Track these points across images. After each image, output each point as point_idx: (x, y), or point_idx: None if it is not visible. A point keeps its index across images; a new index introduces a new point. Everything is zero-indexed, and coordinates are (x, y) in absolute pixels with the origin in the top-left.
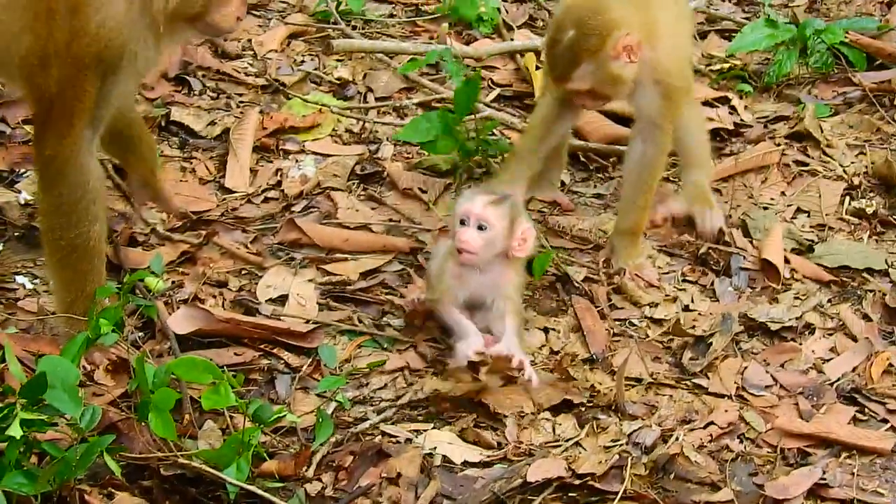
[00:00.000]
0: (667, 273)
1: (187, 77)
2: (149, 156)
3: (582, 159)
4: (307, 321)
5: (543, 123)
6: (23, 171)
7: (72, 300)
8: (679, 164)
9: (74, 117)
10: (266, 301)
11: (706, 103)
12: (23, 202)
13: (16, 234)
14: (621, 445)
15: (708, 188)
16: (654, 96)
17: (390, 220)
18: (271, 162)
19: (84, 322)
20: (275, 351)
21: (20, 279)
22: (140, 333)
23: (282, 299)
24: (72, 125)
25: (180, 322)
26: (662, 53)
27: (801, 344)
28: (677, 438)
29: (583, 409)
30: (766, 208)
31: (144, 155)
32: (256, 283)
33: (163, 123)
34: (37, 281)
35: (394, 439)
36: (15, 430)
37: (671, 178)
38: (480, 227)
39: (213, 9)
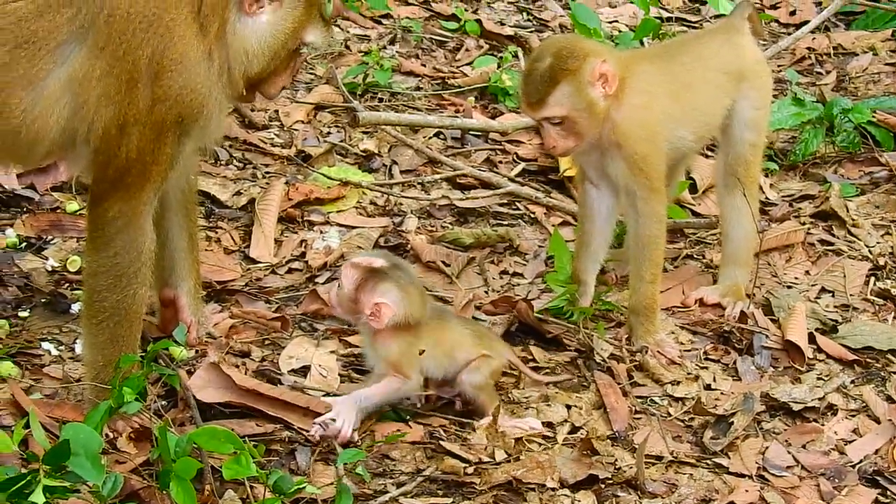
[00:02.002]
0: (689, 351)
1: (214, 147)
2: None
3: None
4: (327, 393)
5: (586, 208)
6: (50, 237)
7: (102, 364)
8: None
9: (147, 180)
10: (288, 372)
11: None
12: (50, 269)
13: (42, 300)
14: None
15: (744, 286)
16: (619, 163)
17: None
18: (296, 233)
19: (109, 389)
20: (295, 422)
21: (46, 345)
22: (163, 402)
23: (304, 370)
24: (142, 188)
25: (202, 386)
26: (625, 112)
27: (823, 425)
28: None
29: (603, 485)
30: (790, 287)
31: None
32: (279, 354)
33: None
34: (62, 347)
35: None
36: (38, 497)
37: (712, 267)
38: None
39: (273, 76)
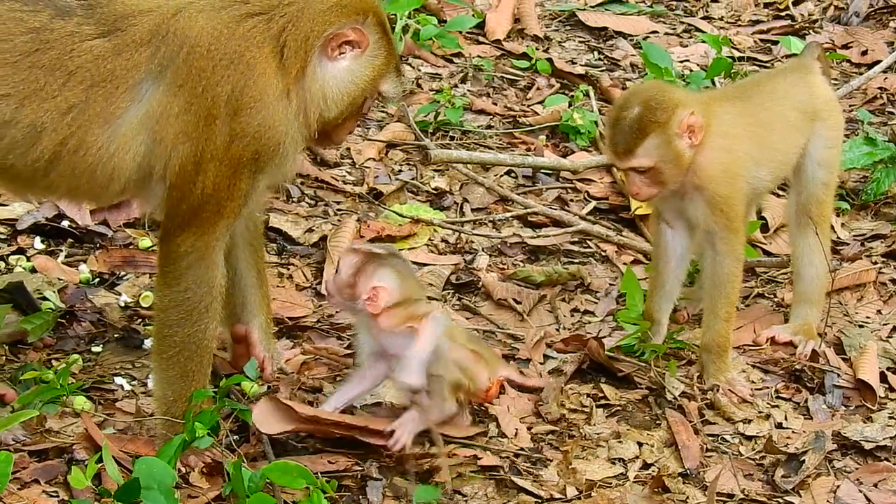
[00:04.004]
0: (760, 389)
1: (286, 184)
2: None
3: None
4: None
5: (661, 247)
6: (123, 273)
7: (173, 399)
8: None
9: (221, 216)
10: (361, 407)
11: None
12: (122, 305)
13: (115, 335)
14: None
15: (815, 325)
16: (699, 204)
17: (484, 329)
18: None
19: (181, 424)
20: (368, 456)
21: (119, 380)
22: (235, 437)
23: (376, 406)
24: (216, 223)
25: (263, 418)
26: (707, 155)
27: (895, 464)
28: None
29: None
30: (861, 326)
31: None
32: None
33: (262, 230)
34: (135, 382)
35: None
36: None
37: (784, 305)
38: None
39: (345, 122)
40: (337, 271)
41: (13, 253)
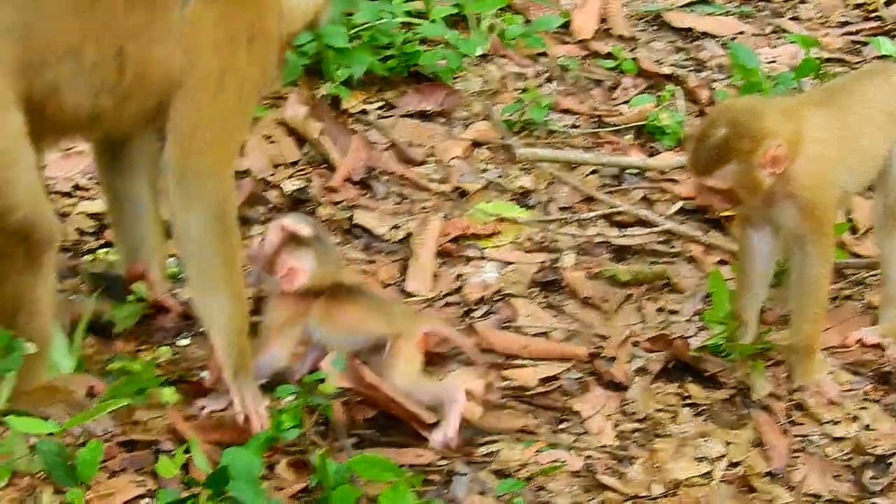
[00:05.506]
0: (848, 391)
1: (371, 182)
2: None
3: None
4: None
5: (747, 249)
6: None
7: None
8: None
9: (238, 136)
10: None
11: None
12: None
13: (201, 329)
14: None
15: None
16: (790, 211)
17: (569, 328)
18: (452, 267)
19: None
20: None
21: (204, 374)
22: (321, 427)
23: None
24: (229, 144)
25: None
26: (800, 164)
27: None
28: None
29: None
30: None
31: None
32: None
33: (347, 227)
34: None
35: None
36: None
37: (872, 307)
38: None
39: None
40: (263, 240)
41: (101, 246)
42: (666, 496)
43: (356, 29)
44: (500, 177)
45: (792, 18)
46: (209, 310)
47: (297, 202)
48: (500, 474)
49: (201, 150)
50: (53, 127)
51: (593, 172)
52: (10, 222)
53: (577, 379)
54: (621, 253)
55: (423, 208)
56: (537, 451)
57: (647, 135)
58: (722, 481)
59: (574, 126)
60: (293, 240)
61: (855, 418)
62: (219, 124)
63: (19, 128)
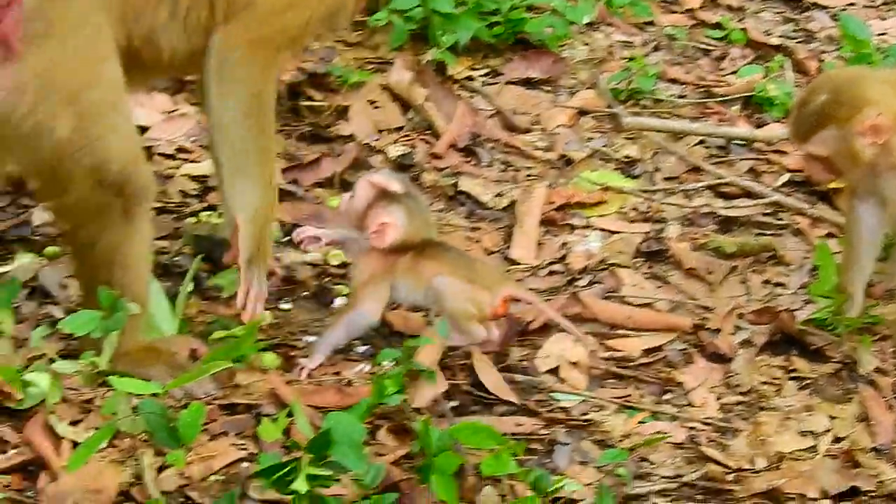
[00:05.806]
0: None
1: (476, 148)
2: None
3: None
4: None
5: (854, 222)
6: None
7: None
8: None
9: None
10: (545, 371)
11: None
12: (311, 262)
13: (304, 293)
14: None
15: None
16: (894, 182)
17: (673, 299)
18: (557, 236)
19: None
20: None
21: (308, 339)
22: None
23: (557, 370)
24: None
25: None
26: None
27: None
28: None
29: (865, 497)
30: None
31: None
32: (536, 353)
33: (451, 193)
34: None
35: None
36: (300, 485)
37: None
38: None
39: None
40: (352, 195)
41: (204, 209)
42: (769, 469)
43: None
44: (605, 146)
45: None
46: (238, 196)
47: (402, 168)
48: (603, 444)
49: (247, 44)
50: (147, 72)
51: (700, 143)
52: (107, 174)
53: (680, 350)
54: (727, 224)
55: (528, 176)
56: (640, 422)
57: (754, 106)
58: (826, 455)
59: (681, 96)
60: (384, 196)
61: None
62: (272, 28)
63: (119, 78)
